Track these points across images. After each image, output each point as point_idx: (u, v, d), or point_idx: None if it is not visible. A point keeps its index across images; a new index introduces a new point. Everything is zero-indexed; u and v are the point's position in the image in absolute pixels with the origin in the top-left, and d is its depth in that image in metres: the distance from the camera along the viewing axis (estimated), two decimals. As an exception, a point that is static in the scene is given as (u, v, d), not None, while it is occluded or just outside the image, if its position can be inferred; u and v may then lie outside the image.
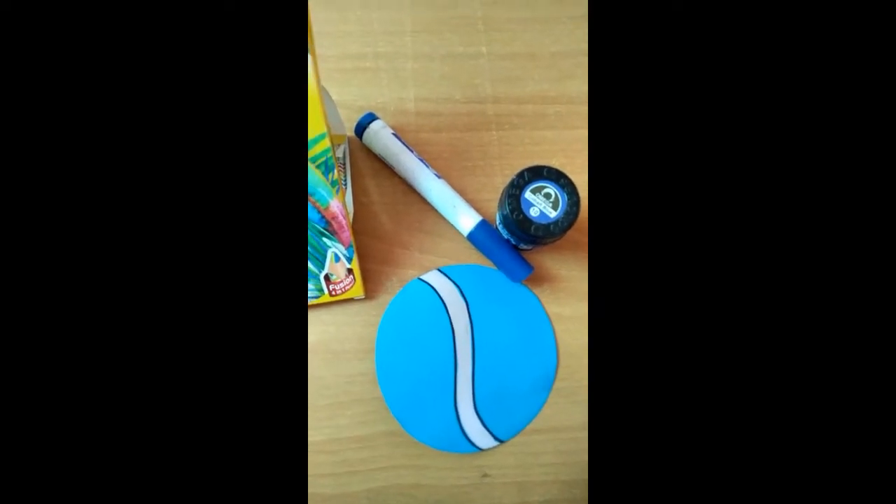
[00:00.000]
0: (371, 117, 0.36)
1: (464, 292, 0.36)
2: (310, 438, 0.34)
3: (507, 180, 0.37)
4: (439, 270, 0.37)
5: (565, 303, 0.36)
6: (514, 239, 0.33)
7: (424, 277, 0.36)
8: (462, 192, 0.37)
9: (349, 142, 0.38)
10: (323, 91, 0.28)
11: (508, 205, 0.31)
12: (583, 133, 0.39)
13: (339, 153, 0.36)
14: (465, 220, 0.35)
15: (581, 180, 0.38)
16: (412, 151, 0.36)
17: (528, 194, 0.31)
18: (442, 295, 0.36)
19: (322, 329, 0.36)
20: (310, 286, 0.34)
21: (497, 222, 0.35)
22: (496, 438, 0.34)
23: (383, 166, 0.38)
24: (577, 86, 0.39)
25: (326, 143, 0.29)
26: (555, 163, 0.38)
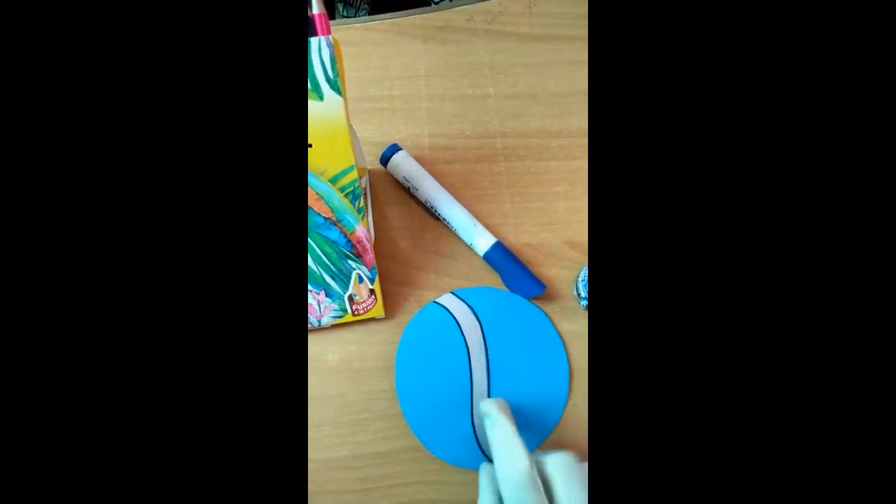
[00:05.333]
0: (396, 147, 0.40)
1: (477, 313, 0.38)
2: (332, 454, 0.35)
3: (515, 206, 0.40)
4: (453, 293, 0.39)
5: (575, 320, 0.38)
6: None
7: (439, 300, 0.38)
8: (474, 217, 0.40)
9: (369, 174, 0.42)
10: (350, 129, 0.32)
11: None
12: (584, 163, 0.42)
13: (363, 183, 0.39)
14: (482, 240, 0.38)
15: (583, 205, 0.41)
16: (433, 177, 0.40)
17: None
18: (456, 316, 0.38)
19: (345, 348, 0.37)
20: (334, 306, 0.36)
21: None
22: (513, 455, 0.35)
23: (401, 195, 0.41)
24: (578, 121, 0.43)
25: (354, 175, 0.32)
26: (559, 189, 0.41)
